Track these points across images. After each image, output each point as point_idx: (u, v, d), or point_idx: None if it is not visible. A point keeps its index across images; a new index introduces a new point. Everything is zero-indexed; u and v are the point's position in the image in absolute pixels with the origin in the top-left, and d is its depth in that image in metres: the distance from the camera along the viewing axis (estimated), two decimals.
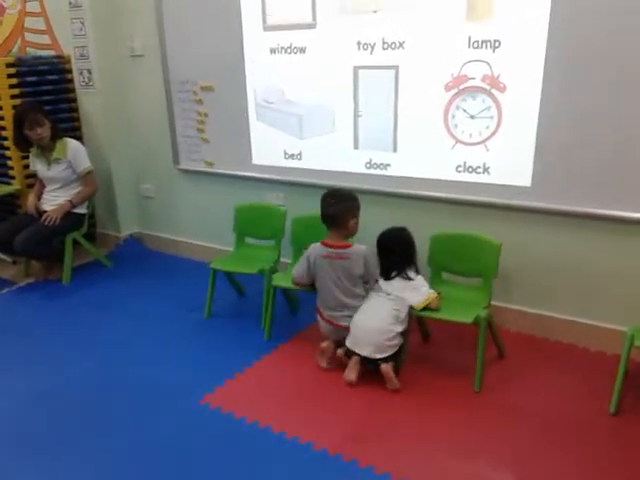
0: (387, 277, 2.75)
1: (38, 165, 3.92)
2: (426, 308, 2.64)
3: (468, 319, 2.54)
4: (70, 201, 3.88)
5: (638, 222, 2.61)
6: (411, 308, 2.66)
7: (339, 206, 2.73)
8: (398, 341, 2.63)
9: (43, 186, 4.00)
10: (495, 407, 2.46)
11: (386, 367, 2.57)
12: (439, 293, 2.70)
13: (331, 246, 2.76)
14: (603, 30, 2.48)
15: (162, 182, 4.35)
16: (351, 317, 2.71)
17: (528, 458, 2.16)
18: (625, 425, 2.32)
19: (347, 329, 2.71)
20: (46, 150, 3.85)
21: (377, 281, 2.76)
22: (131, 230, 4.61)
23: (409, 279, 2.70)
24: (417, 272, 2.76)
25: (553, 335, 2.97)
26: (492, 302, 2.76)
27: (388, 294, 2.70)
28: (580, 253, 2.81)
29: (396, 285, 2.70)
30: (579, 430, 2.30)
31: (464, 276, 2.87)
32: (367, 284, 2.80)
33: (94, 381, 2.78)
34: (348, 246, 2.74)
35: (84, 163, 3.91)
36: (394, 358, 2.62)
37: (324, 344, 2.78)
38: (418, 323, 2.93)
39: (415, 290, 2.67)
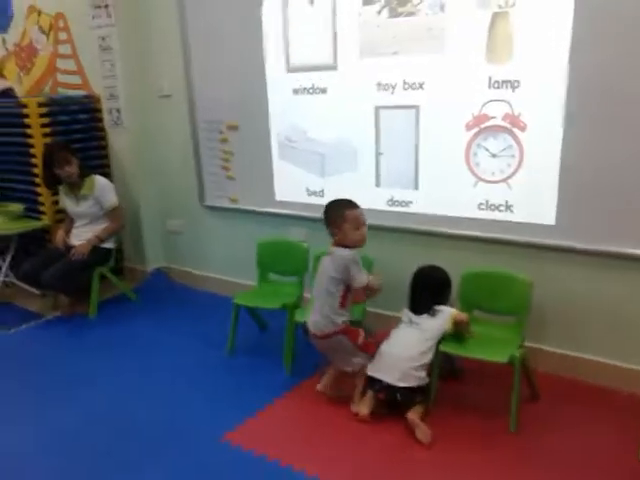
0: (415, 312, 2.77)
1: (67, 202, 4.04)
2: (458, 335, 2.69)
3: (503, 358, 2.51)
4: (97, 236, 3.97)
5: None
6: (445, 344, 2.66)
7: (329, 210, 2.74)
8: (424, 374, 2.61)
9: (72, 222, 4.11)
10: (530, 450, 2.41)
11: (412, 415, 2.52)
12: (472, 331, 2.74)
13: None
14: (622, 73, 2.49)
15: (188, 218, 4.43)
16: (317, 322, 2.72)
17: None
18: None
19: (315, 336, 2.75)
20: (74, 187, 3.97)
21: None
22: (158, 264, 4.68)
23: (436, 313, 2.72)
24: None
25: (584, 376, 2.89)
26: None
27: (418, 324, 2.72)
28: (610, 292, 2.76)
29: (424, 318, 2.73)
30: (606, 476, 2.23)
31: (496, 314, 2.84)
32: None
33: (115, 418, 2.80)
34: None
35: (110, 199, 4.01)
36: (418, 397, 2.59)
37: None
38: (445, 361, 2.88)
39: (442, 316, 2.70)
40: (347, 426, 2.62)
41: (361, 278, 2.63)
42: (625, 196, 2.60)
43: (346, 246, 2.65)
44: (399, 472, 2.32)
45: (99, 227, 4.02)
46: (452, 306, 2.78)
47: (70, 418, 2.82)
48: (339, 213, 2.65)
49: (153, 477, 2.36)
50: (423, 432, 2.47)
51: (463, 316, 2.69)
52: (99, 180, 4.01)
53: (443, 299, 2.79)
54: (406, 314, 2.82)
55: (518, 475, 2.28)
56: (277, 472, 2.33)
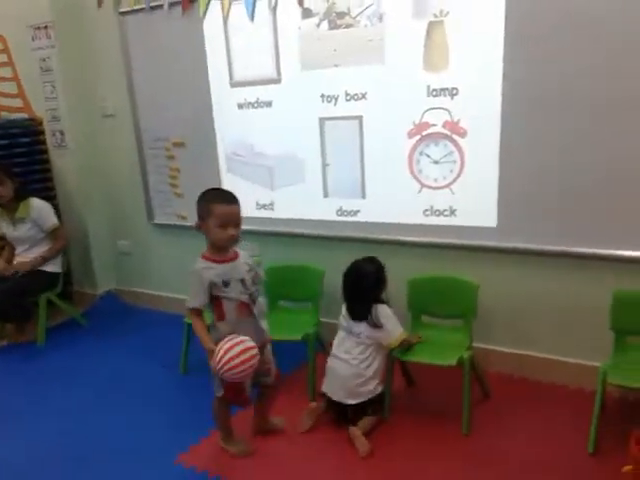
0: (354, 317, 2.64)
1: (3, 226, 3.91)
2: (405, 347, 2.64)
3: (452, 361, 2.53)
4: (42, 256, 3.85)
5: (600, 258, 2.65)
6: (392, 351, 2.64)
7: (200, 200, 2.34)
8: (373, 387, 2.59)
9: (13, 249, 3.98)
10: (483, 451, 2.44)
11: (352, 428, 2.49)
12: (420, 337, 2.71)
13: None
14: (553, 79, 2.58)
15: (138, 237, 4.36)
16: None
17: None
18: (602, 465, 2.29)
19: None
20: (10, 210, 3.85)
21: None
22: (108, 287, 4.57)
23: (378, 326, 2.58)
24: (385, 303, 2.66)
25: (532, 374, 2.96)
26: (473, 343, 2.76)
27: (358, 335, 2.62)
28: (552, 291, 2.84)
29: (365, 327, 2.61)
30: (558, 473, 2.27)
31: (444, 318, 2.87)
32: None
33: (67, 445, 2.71)
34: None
35: (50, 220, 3.90)
36: (369, 409, 2.58)
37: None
38: (401, 369, 2.90)
39: (386, 332, 2.60)
40: (302, 443, 2.58)
41: (188, 298, 2.29)
42: (562, 197, 2.68)
43: (212, 243, 2.29)
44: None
45: (42, 250, 3.90)
46: (387, 302, 2.69)
47: (20, 447, 2.71)
48: (207, 205, 2.26)
49: None
50: (362, 444, 2.45)
51: (413, 339, 2.67)
52: (35, 202, 3.89)
53: (377, 294, 2.67)
54: (344, 318, 2.70)
55: (471, 477, 2.29)
56: None
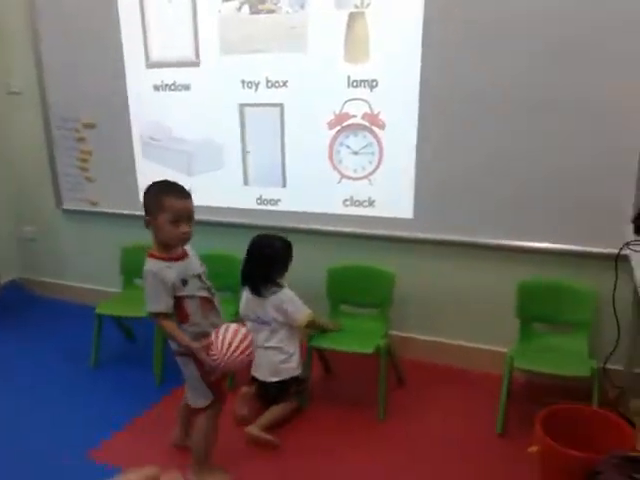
0: (254, 291, 2.62)
1: None
2: (316, 329, 2.68)
3: (368, 349, 2.57)
4: None
5: (508, 249, 2.78)
6: (309, 340, 2.67)
7: (148, 193, 2.13)
8: (295, 365, 2.60)
9: None
10: (397, 436, 2.51)
11: (251, 430, 2.44)
12: (340, 325, 2.74)
13: None
14: (469, 74, 2.65)
15: (44, 223, 4.11)
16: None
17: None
18: (509, 445, 2.41)
19: (174, 353, 2.18)
20: None
21: (151, 316, 2.11)
22: (12, 276, 4.29)
23: (281, 307, 2.58)
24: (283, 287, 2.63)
25: (445, 360, 3.07)
26: (389, 331, 2.82)
27: (269, 323, 2.59)
28: (463, 280, 2.95)
29: (268, 308, 2.59)
30: (469, 453, 2.38)
31: (362, 307, 2.91)
32: None
33: None
34: (148, 255, 2.13)
35: None
36: (292, 388, 2.60)
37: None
38: (319, 357, 2.92)
39: (291, 314, 2.59)
40: (223, 435, 2.53)
41: (149, 303, 2.08)
42: (476, 190, 2.78)
43: (161, 242, 2.08)
44: (271, 472, 2.30)
45: None
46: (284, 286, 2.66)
47: None
48: (157, 199, 2.04)
49: None
50: (265, 439, 2.44)
51: (330, 325, 2.74)
52: None
53: (282, 273, 2.66)
54: (249, 307, 2.66)
55: (385, 461, 2.35)
56: None
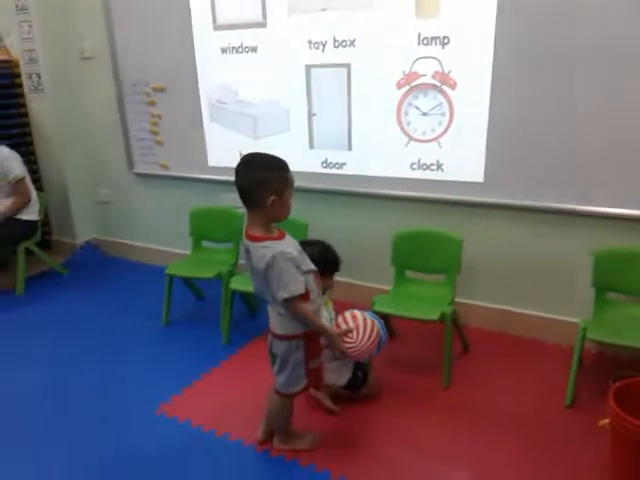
0: None
1: None
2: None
3: (434, 316, 2.52)
4: (2, 213, 3.70)
5: (588, 215, 2.64)
6: (379, 304, 2.61)
7: (250, 178, 1.88)
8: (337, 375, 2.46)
9: None
10: (462, 404, 2.47)
11: (316, 393, 2.44)
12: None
13: (246, 236, 1.95)
14: (551, 23, 2.49)
15: (118, 186, 4.26)
16: (285, 321, 1.99)
17: (487, 453, 2.17)
18: (578, 417, 2.33)
19: (283, 337, 2.02)
20: None
21: (287, 301, 1.90)
22: (88, 236, 4.50)
23: None
24: None
25: (512, 329, 2.99)
26: (455, 298, 2.76)
27: None
28: (535, 247, 2.83)
29: None
30: (536, 424, 2.31)
31: (428, 273, 2.86)
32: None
33: (48, 393, 2.70)
34: (256, 239, 1.90)
35: (13, 171, 3.72)
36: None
37: None
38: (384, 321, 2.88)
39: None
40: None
41: (286, 287, 1.89)
42: (549, 153, 2.64)
43: (274, 220, 1.94)
44: (335, 432, 2.33)
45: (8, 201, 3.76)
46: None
47: (2, 395, 2.69)
48: (282, 175, 1.90)
49: (88, 451, 2.28)
50: (329, 405, 2.44)
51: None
52: (2, 151, 3.73)
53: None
54: None
55: (448, 429, 2.32)
56: (213, 442, 2.29)
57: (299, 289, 1.88)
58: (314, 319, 1.96)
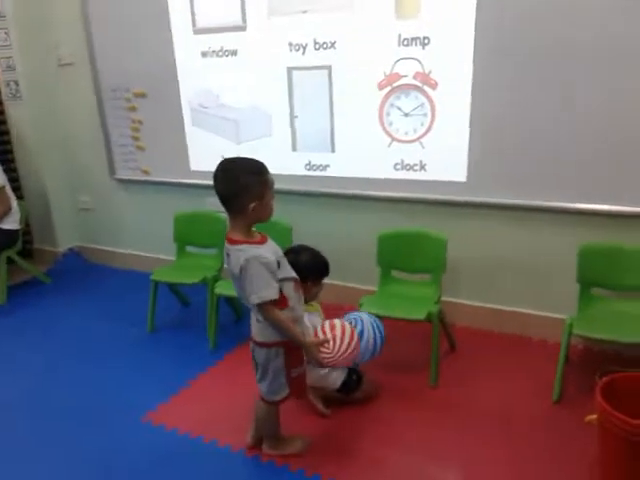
0: None
1: None
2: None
3: (421, 315, 2.53)
4: None
5: (567, 212, 2.66)
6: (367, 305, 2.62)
7: (230, 184, 1.87)
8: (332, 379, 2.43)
9: None
10: (449, 402, 2.47)
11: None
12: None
13: (227, 239, 1.94)
14: (530, 20, 2.50)
15: (99, 193, 4.21)
16: (264, 328, 1.97)
17: (476, 450, 2.17)
18: (565, 413, 2.34)
19: (262, 344, 2.01)
20: None
21: (258, 305, 1.89)
22: (70, 244, 4.44)
23: None
24: None
25: (499, 327, 3.00)
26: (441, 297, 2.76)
27: None
28: (519, 245, 2.85)
29: None
30: (524, 420, 2.32)
31: (413, 273, 2.86)
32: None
33: (32, 403, 2.67)
34: (234, 242, 1.90)
35: None
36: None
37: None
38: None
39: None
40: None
41: (257, 292, 1.87)
42: (531, 151, 2.66)
43: (257, 222, 1.93)
44: (324, 435, 2.32)
45: None
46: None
47: None
48: (263, 178, 1.89)
49: (73, 460, 2.25)
50: (321, 408, 2.43)
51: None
52: None
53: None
54: None
55: (440, 427, 2.32)
56: (201, 448, 2.27)
57: (271, 294, 1.86)
58: (288, 326, 1.93)
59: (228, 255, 1.93)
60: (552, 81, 2.53)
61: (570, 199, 2.64)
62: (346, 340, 2.03)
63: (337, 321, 2.10)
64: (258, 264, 1.84)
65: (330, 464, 2.14)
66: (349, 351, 2.04)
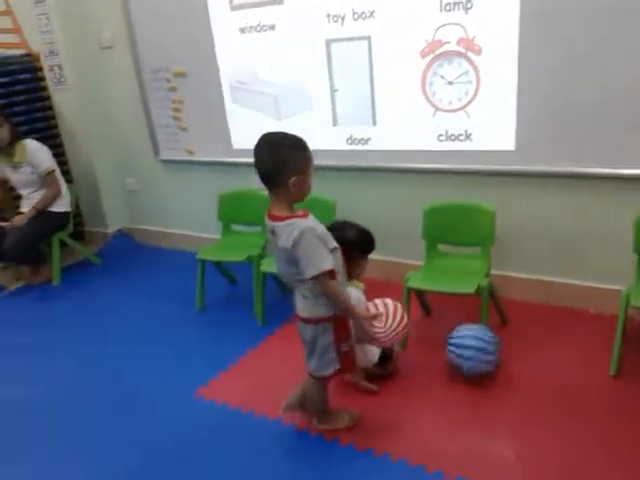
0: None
1: (7, 170, 3.81)
2: None
3: (470, 289, 2.48)
4: (34, 207, 3.74)
5: (624, 179, 2.54)
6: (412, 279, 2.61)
7: (271, 158, 1.85)
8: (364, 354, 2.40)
9: (4, 186, 3.93)
10: (502, 377, 2.43)
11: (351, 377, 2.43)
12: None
13: (269, 217, 1.94)
14: None
15: (145, 174, 4.28)
16: (311, 304, 1.96)
17: (530, 424, 2.14)
18: (624, 387, 2.28)
19: (309, 320, 1.99)
20: (8, 154, 3.73)
21: (315, 278, 1.86)
22: (119, 225, 4.55)
23: None
24: None
25: (551, 300, 2.92)
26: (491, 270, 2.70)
27: None
28: (571, 214, 2.74)
29: None
30: (580, 396, 2.26)
31: (461, 246, 2.80)
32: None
33: (88, 381, 2.76)
34: (281, 219, 1.88)
35: (44, 164, 3.76)
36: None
37: None
38: (418, 298, 2.83)
39: None
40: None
41: (315, 264, 1.86)
42: (584, 116, 2.53)
43: (295, 200, 1.91)
44: (374, 412, 2.32)
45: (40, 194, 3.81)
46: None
47: (41, 385, 2.76)
48: (304, 153, 1.87)
49: (128, 436, 2.32)
50: (367, 385, 2.42)
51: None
52: (31, 145, 3.76)
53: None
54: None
55: (490, 404, 2.29)
56: (251, 423, 2.32)
57: (328, 265, 1.85)
58: (344, 298, 1.93)
59: (273, 233, 1.92)
60: (604, 41, 2.39)
61: (625, 165, 2.51)
62: (398, 317, 2.09)
63: (388, 299, 2.14)
64: (313, 236, 1.84)
65: (382, 438, 2.14)
66: (399, 329, 2.08)
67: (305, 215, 1.91)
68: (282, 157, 1.83)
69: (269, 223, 1.93)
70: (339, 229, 2.25)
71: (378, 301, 2.13)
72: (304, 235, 1.82)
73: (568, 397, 2.27)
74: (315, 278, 1.86)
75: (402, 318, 2.12)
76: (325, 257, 1.86)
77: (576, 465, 1.93)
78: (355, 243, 2.29)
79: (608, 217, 2.64)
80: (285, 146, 1.85)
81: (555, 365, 2.47)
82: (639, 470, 1.88)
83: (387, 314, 2.08)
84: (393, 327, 2.07)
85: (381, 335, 2.07)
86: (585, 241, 2.75)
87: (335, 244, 1.95)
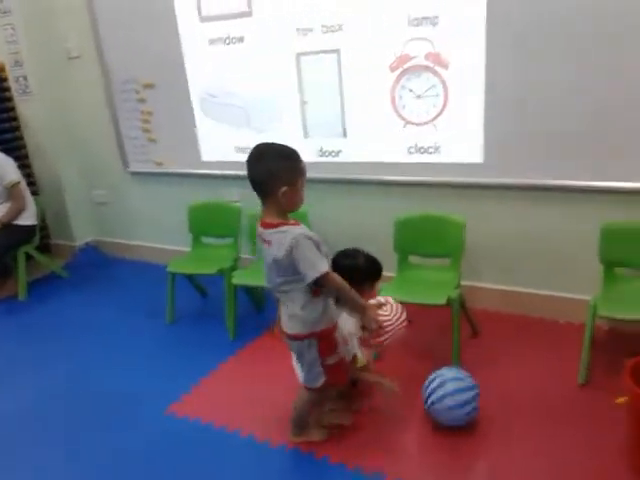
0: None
1: None
2: None
3: (441, 300, 2.50)
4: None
5: (590, 190, 2.59)
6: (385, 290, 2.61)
7: (261, 168, 1.87)
8: None
9: None
10: None
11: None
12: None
13: (260, 224, 1.97)
14: (542, 6, 2.43)
15: (113, 186, 4.22)
16: (296, 321, 1.98)
17: (501, 434, 2.16)
18: (592, 396, 2.31)
19: (296, 337, 2.01)
20: None
21: (318, 281, 1.88)
22: (87, 238, 4.48)
23: None
24: None
25: (521, 310, 2.96)
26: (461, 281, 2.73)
27: None
28: (539, 225, 2.79)
29: None
30: (549, 405, 2.29)
31: (432, 257, 2.82)
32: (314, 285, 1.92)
33: (54, 397, 2.69)
34: (271, 225, 1.90)
35: (8, 176, 3.67)
36: None
37: None
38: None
39: None
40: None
41: (314, 267, 1.87)
42: (550, 129, 2.58)
43: (287, 211, 1.93)
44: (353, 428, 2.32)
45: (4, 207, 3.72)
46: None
47: (7, 402, 2.69)
48: (296, 164, 1.90)
49: (98, 455, 2.27)
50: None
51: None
52: None
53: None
54: None
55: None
56: (224, 438, 2.29)
57: (326, 266, 1.89)
58: (350, 290, 1.98)
59: (265, 241, 1.94)
60: (569, 56, 2.45)
61: (590, 177, 2.57)
62: (399, 311, 2.21)
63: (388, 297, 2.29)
64: (307, 239, 1.86)
65: (355, 453, 2.13)
66: (401, 320, 2.19)
67: (296, 224, 1.94)
68: (272, 167, 1.85)
69: (260, 230, 1.95)
70: (350, 257, 2.31)
71: (379, 297, 2.25)
72: (298, 240, 1.85)
73: (537, 404, 2.30)
74: (317, 280, 1.87)
75: (402, 311, 2.22)
76: (321, 259, 1.89)
77: (548, 475, 1.95)
78: (367, 272, 2.32)
79: (574, 228, 2.70)
80: (276, 157, 1.88)
81: (524, 374, 2.50)
82: (610, 476, 1.92)
83: (391, 305, 2.20)
84: (397, 317, 2.17)
85: (387, 322, 2.12)
86: (554, 252, 2.80)
87: (326, 250, 1.97)
